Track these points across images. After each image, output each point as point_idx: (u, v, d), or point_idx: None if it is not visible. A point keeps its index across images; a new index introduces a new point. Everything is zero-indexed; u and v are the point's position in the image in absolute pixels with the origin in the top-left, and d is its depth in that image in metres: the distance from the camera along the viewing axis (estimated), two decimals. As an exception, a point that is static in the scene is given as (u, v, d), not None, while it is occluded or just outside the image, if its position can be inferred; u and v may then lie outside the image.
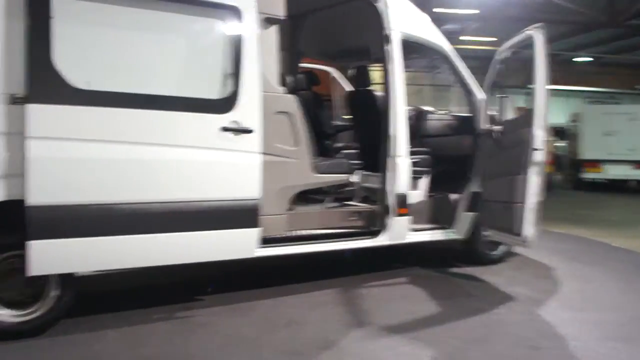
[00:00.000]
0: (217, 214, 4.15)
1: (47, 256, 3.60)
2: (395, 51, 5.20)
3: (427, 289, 5.14)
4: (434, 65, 6.46)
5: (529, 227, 4.98)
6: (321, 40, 6.59)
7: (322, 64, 7.87)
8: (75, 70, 3.65)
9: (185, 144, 4.02)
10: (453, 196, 5.90)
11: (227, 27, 4.22)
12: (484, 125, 5.75)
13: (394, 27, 5.20)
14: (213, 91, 4.16)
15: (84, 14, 3.73)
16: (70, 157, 3.63)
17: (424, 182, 5.83)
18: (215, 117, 4.12)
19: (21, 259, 3.61)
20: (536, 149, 4.95)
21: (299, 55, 6.77)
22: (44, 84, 3.55)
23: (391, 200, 5.20)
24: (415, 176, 5.72)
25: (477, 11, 15.78)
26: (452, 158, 6.12)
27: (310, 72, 6.35)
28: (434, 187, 6.10)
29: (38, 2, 3.55)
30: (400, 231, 5.28)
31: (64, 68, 3.60)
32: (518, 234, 5.05)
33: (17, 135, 3.52)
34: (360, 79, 5.91)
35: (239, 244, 4.30)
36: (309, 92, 6.21)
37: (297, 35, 6.57)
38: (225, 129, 4.13)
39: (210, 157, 4.10)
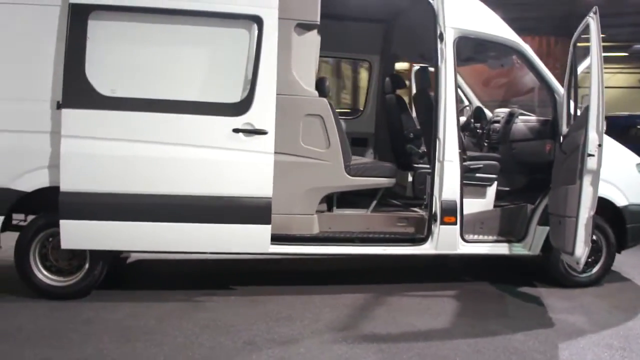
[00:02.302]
0: (229, 209, 4.49)
1: (75, 233, 4.36)
2: (448, 50, 4.93)
3: (464, 305, 4.80)
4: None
5: (580, 245, 4.35)
6: (414, 42, 6.43)
7: None
8: (103, 79, 4.35)
9: (200, 143, 4.44)
10: (530, 207, 5.31)
11: (246, 36, 4.51)
12: (563, 128, 5.08)
13: (449, 25, 4.94)
14: (229, 95, 4.50)
15: (113, 33, 4.40)
16: (95, 153, 4.33)
17: (491, 190, 5.39)
18: (230, 120, 4.46)
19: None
20: (590, 155, 4.29)
21: (393, 58, 6.70)
22: (77, 91, 4.31)
23: (437, 207, 4.95)
24: (479, 183, 5.36)
25: None
26: (533, 165, 5.52)
27: (395, 76, 6.27)
28: (514, 197, 5.59)
29: (78, 26, 4.32)
30: (448, 241, 4.98)
31: (92, 78, 4.33)
32: (570, 253, 4.44)
33: (60, 134, 4.34)
34: (420, 80, 5.67)
35: (253, 239, 4.58)
36: (392, 95, 6.16)
37: (389, 39, 6.52)
38: (239, 131, 4.46)
39: (224, 156, 4.46)
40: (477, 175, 5.32)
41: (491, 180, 5.39)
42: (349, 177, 4.99)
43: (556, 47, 14.92)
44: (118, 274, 5.36)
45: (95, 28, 4.35)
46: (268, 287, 5.09)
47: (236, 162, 4.49)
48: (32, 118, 4.38)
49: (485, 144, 6.17)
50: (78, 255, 4.62)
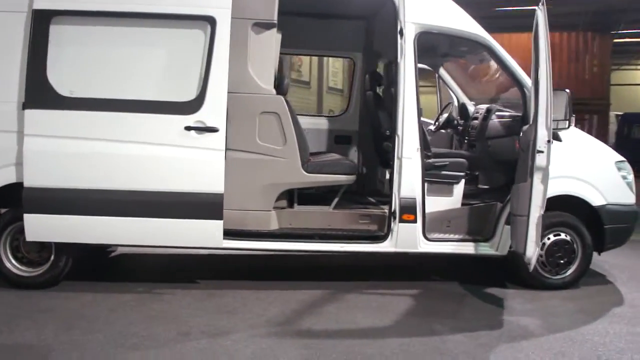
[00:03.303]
0: (182, 204, 4.63)
1: (38, 226, 4.60)
2: (407, 46, 4.89)
3: (419, 304, 4.78)
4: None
5: (531, 245, 4.23)
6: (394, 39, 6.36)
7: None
8: (62, 81, 4.57)
9: (154, 141, 4.61)
10: (499, 206, 5.17)
11: (200, 36, 4.63)
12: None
13: (409, 20, 4.89)
14: (182, 94, 4.64)
15: (72, 37, 4.63)
16: (55, 151, 4.56)
17: (458, 188, 5.28)
18: (182, 118, 4.60)
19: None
20: (539, 151, 4.16)
21: (376, 55, 6.64)
22: (38, 93, 4.55)
23: (396, 205, 4.91)
24: (445, 181, 5.26)
25: None
26: (507, 162, 5.36)
27: (375, 73, 6.24)
28: (488, 195, 5.46)
29: (40, 31, 4.56)
30: (408, 239, 4.93)
31: (54, 80, 4.56)
32: (522, 253, 4.32)
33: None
34: (387, 77, 5.61)
35: (205, 234, 4.70)
36: (371, 92, 6.13)
37: (371, 36, 6.48)
38: (191, 128, 4.59)
39: (177, 153, 4.61)
40: (443, 172, 5.23)
41: (458, 178, 5.28)
42: (306, 174, 5.01)
43: (594, 42, 14.30)
44: (101, 266, 5.67)
45: (56, 32, 4.58)
46: (233, 282, 5.18)
47: (188, 159, 4.62)
48: (1, 118, 4.65)
49: (465, 141, 6.05)
50: (47, 248, 4.85)
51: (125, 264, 6.00)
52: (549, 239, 5.10)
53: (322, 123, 6.70)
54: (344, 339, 3.98)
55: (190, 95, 4.63)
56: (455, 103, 6.61)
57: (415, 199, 4.91)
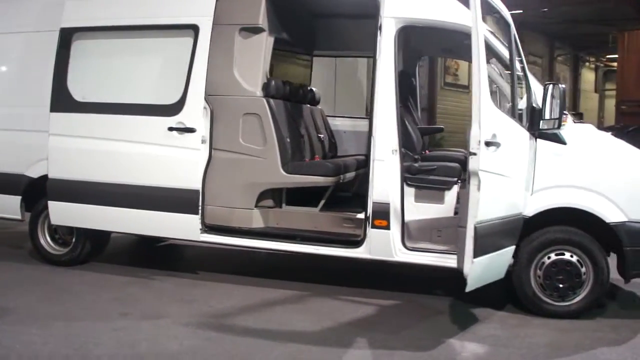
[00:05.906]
0: (165, 199, 5.00)
1: (58, 213, 5.35)
2: (385, 43, 4.61)
3: (372, 315, 4.54)
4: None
5: (468, 260, 3.72)
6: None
7: None
8: (78, 88, 5.27)
9: (144, 140, 5.08)
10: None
11: (186, 43, 4.97)
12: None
13: (388, 14, 4.61)
14: (168, 98, 5.01)
15: (86, 49, 5.31)
16: (68, 148, 5.26)
17: (450, 195, 4.76)
18: (167, 119, 4.98)
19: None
20: (472, 153, 3.65)
21: (417, 53, 6.23)
22: (60, 98, 5.30)
23: (369, 210, 4.65)
24: (435, 186, 4.80)
25: None
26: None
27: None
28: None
29: (64, 46, 5.32)
30: (381, 246, 4.62)
31: (71, 87, 5.27)
32: (461, 270, 3.82)
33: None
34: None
35: (184, 227, 5.02)
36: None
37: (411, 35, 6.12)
38: (173, 129, 4.94)
39: (161, 152, 5.01)
40: (431, 177, 4.77)
41: (449, 184, 4.76)
42: (285, 174, 5.01)
43: None
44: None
45: (76, 46, 5.30)
46: (235, 277, 5.32)
47: (170, 157, 4.99)
48: (40, 120, 5.43)
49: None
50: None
51: (169, 254, 6.57)
52: (548, 257, 4.37)
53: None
54: (248, 337, 3.93)
55: (174, 98, 4.98)
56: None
57: (388, 204, 4.59)
